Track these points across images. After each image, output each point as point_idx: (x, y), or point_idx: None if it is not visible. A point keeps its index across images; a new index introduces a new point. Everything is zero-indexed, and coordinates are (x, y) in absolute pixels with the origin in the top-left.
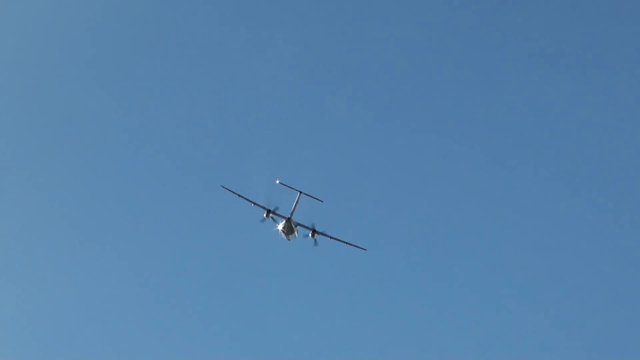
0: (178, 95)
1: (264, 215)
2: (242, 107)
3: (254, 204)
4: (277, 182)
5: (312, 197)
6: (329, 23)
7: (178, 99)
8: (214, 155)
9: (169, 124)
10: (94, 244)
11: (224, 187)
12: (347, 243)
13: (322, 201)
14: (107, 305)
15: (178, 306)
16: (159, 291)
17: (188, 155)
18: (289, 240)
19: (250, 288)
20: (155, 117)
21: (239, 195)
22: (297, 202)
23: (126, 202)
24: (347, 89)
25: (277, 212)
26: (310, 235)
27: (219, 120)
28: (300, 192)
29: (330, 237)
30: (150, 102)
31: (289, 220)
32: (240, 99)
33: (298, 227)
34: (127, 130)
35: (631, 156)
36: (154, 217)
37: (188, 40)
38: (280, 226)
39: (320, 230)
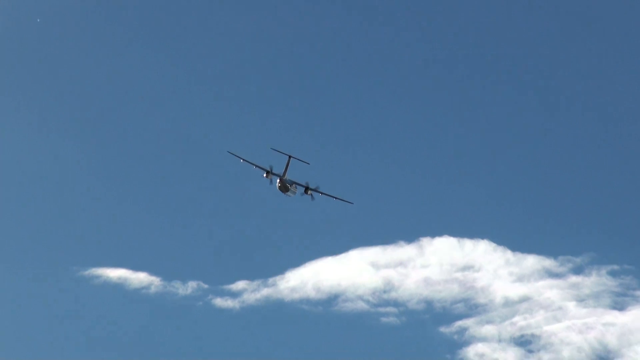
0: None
1: (264, 175)
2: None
3: (256, 166)
4: (271, 148)
5: (300, 160)
6: None
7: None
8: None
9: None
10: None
11: (230, 152)
12: (336, 198)
13: (309, 163)
14: None
15: None
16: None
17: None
18: (288, 196)
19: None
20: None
21: (243, 159)
22: (287, 164)
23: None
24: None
25: (273, 171)
26: (304, 191)
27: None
28: (290, 156)
29: (322, 193)
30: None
31: (281, 179)
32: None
33: (294, 185)
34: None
35: None
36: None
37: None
38: (277, 184)
39: (313, 187)
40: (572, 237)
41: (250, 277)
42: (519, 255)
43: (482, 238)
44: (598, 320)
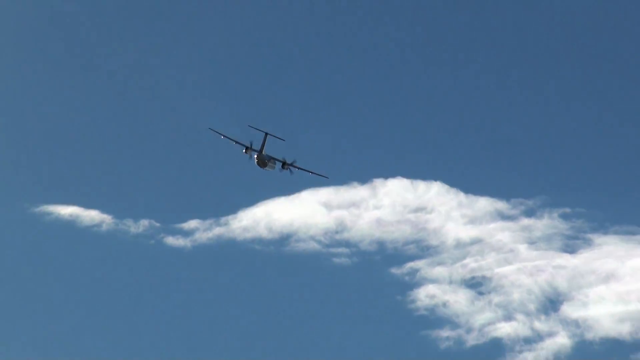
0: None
1: (244, 151)
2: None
3: (235, 142)
4: (249, 126)
5: (275, 136)
6: None
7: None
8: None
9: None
10: None
11: (211, 129)
12: (312, 172)
13: (284, 140)
14: None
15: None
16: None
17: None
18: (266, 170)
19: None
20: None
21: (224, 136)
22: (264, 141)
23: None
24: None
25: (252, 147)
26: (282, 166)
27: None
28: (266, 133)
29: (298, 168)
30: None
31: (258, 155)
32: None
33: (272, 160)
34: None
35: None
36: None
37: None
38: (255, 160)
39: (289, 162)
40: (524, 179)
41: (202, 216)
42: (472, 198)
43: (435, 180)
44: (549, 263)
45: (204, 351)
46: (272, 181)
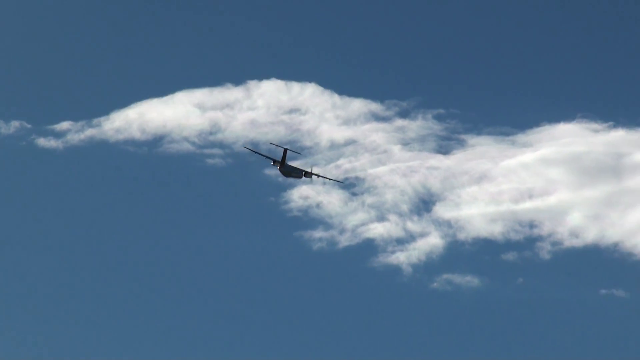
0: None
1: (272, 163)
2: None
3: (266, 156)
4: (270, 143)
5: (294, 151)
6: None
7: None
8: None
9: None
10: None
11: (245, 147)
12: (329, 179)
13: (300, 154)
14: None
15: None
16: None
17: None
18: (289, 178)
19: None
20: None
21: (257, 152)
22: (284, 156)
23: None
24: None
25: (278, 160)
26: (304, 175)
27: None
28: (286, 149)
29: (318, 176)
30: None
31: (280, 167)
32: None
33: (296, 170)
34: None
35: None
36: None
37: None
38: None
39: (309, 171)
40: (399, 81)
41: (74, 117)
42: (346, 99)
43: (310, 81)
44: (422, 164)
45: (73, 250)
46: (146, 81)
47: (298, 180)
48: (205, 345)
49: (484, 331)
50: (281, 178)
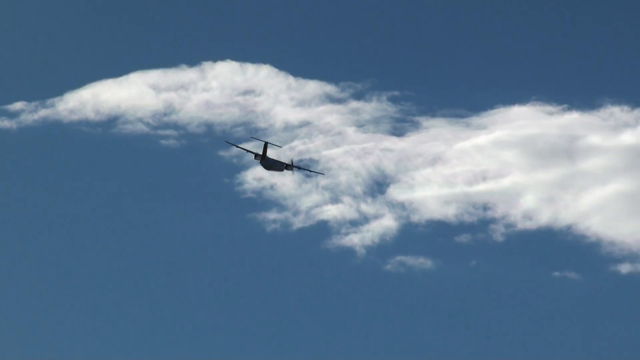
0: None
1: (253, 157)
2: None
3: (247, 150)
4: (251, 137)
5: (274, 144)
6: None
7: None
8: None
9: None
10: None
11: (227, 141)
12: (310, 170)
13: (281, 147)
14: None
15: None
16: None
17: None
18: (272, 171)
19: None
20: None
21: (238, 147)
22: (265, 149)
23: None
24: None
25: (259, 154)
26: (285, 168)
27: None
28: (266, 143)
29: (299, 168)
30: None
31: (261, 162)
32: None
33: (277, 163)
34: None
35: None
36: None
37: None
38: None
39: (290, 164)
40: (353, 62)
41: (28, 97)
42: (301, 81)
43: (264, 63)
44: (376, 146)
45: (23, 231)
46: (100, 62)
47: (252, 161)
48: (154, 326)
49: (437, 313)
50: (260, 168)
